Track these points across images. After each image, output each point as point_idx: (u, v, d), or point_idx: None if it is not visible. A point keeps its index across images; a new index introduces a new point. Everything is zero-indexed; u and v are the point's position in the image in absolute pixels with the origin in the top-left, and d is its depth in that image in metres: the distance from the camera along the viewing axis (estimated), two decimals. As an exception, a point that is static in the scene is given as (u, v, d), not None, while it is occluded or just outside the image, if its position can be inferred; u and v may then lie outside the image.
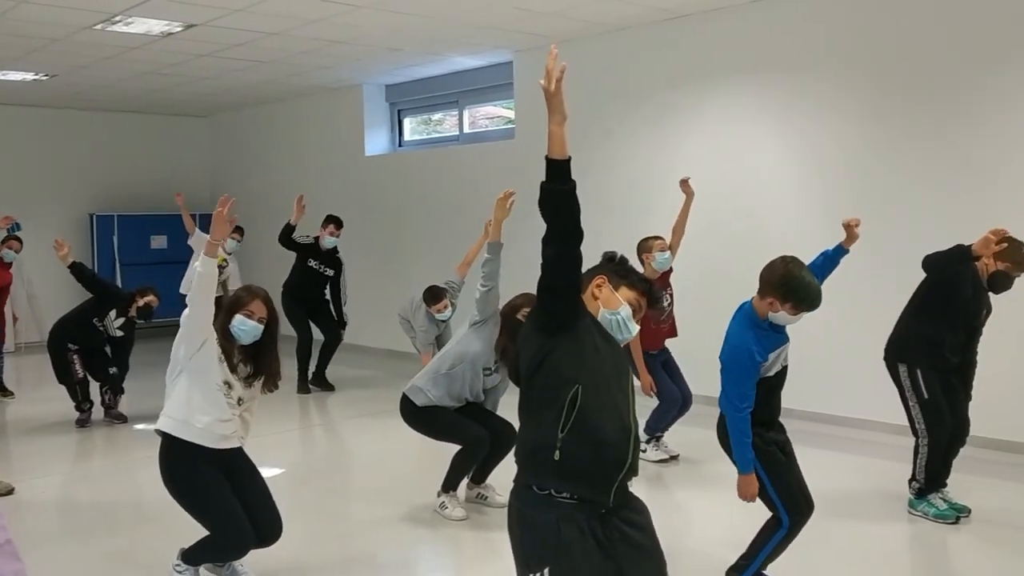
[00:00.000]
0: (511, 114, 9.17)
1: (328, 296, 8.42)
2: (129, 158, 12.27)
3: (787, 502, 3.50)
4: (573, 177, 2.40)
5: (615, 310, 2.60)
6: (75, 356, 6.97)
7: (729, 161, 7.16)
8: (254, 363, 3.76)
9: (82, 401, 7.11)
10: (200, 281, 3.49)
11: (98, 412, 7.23)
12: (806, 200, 6.76)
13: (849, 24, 6.46)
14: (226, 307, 3.69)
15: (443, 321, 6.69)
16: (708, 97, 7.28)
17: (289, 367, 8.08)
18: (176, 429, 3.59)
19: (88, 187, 11.94)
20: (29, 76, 9.32)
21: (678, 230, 5.79)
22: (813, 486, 3.61)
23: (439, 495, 4.80)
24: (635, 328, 2.63)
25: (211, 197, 12.90)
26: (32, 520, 5.06)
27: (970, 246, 4.27)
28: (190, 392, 3.59)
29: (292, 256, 8.28)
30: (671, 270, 5.75)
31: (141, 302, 7.03)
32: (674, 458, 5.76)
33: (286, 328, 8.73)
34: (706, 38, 7.24)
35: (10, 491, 5.34)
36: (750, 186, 7.05)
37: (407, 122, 10.79)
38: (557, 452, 2.43)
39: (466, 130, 9.94)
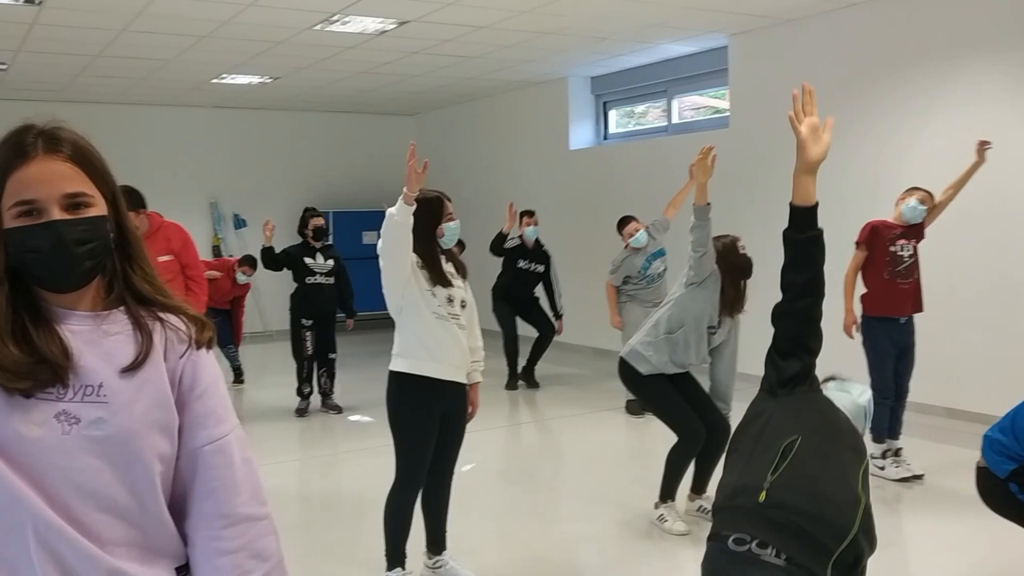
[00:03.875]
0: (720, 103, 8.72)
1: (538, 294, 8.39)
2: (342, 157, 12.74)
3: None
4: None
5: None
6: (307, 333, 7.30)
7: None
8: (451, 260, 3.73)
9: (303, 383, 7.40)
10: (388, 222, 3.38)
11: (315, 402, 7.49)
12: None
13: None
14: (426, 221, 3.57)
15: (636, 249, 6.50)
16: (951, 77, 6.56)
17: (498, 363, 8.17)
18: (409, 367, 3.57)
19: (306, 185, 12.46)
20: (255, 79, 9.80)
21: (952, 189, 5.35)
22: None
23: (657, 506, 4.52)
24: None
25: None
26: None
27: None
28: (415, 328, 3.56)
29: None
30: (923, 224, 5.32)
31: (311, 229, 7.28)
32: (917, 477, 5.18)
33: (491, 324, 8.76)
34: (945, 12, 6.53)
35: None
36: (1001, 176, 6.29)
37: (612, 114, 10.54)
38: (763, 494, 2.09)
39: (674, 121, 9.57)
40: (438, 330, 3.55)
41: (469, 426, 3.86)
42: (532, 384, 8.32)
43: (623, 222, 6.90)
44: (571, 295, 9.89)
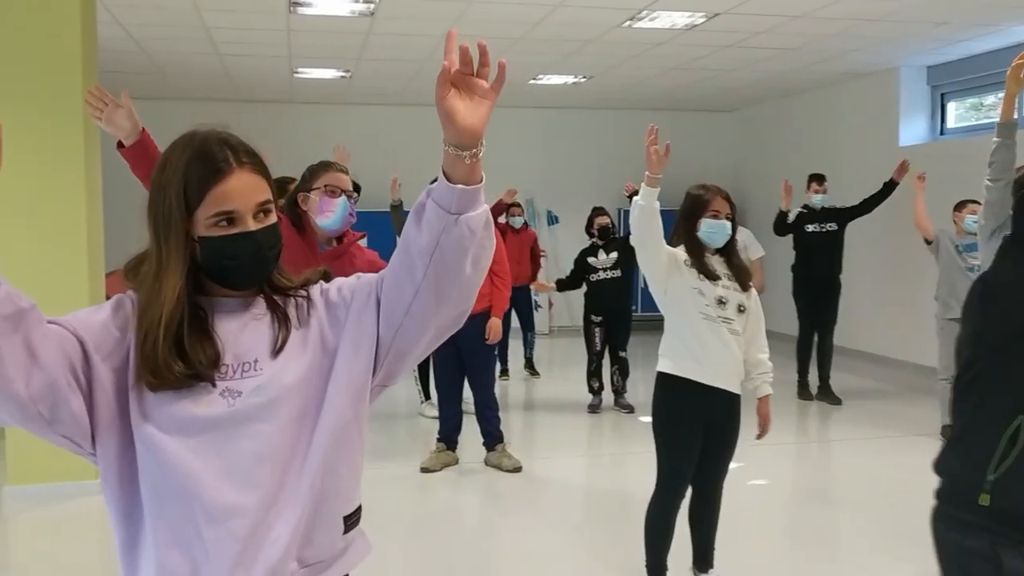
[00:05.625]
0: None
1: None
2: (655, 155, 12.63)
3: None
4: None
5: None
6: (596, 329, 7.37)
7: None
8: (729, 264, 3.48)
9: (591, 378, 7.45)
10: (634, 207, 3.29)
11: (608, 400, 7.49)
12: None
13: None
14: (685, 215, 3.46)
15: (971, 234, 5.81)
16: None
17: (788, 370, 7.66)
18: (673, 368, 3.44)
19: (619, 182, 12.53)
20: (569, 79, 10.01)
21: None
22: None
23: None
24: None
25: (734, 192, 12.76)
26: (535, 499, 5.31)
27: None
28: (680, 327, 3.41)
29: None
30: None
31: (596, 228, 7.34)
32: None
33: (778, 325, 8.28)
34: None
35: (518, 468, 5.68)
36: None
37: (951, 107, 9.48)
38: (986, 496, 1.89)
39: (1026, 113, 8.40)
40: (704, 331, 3.35)
41: (760, 439, 3.63)
42: (833, 400, 7.68)
43: (962, 204, 6.20)
44: (882, 300, 9.11)
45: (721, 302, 3.37)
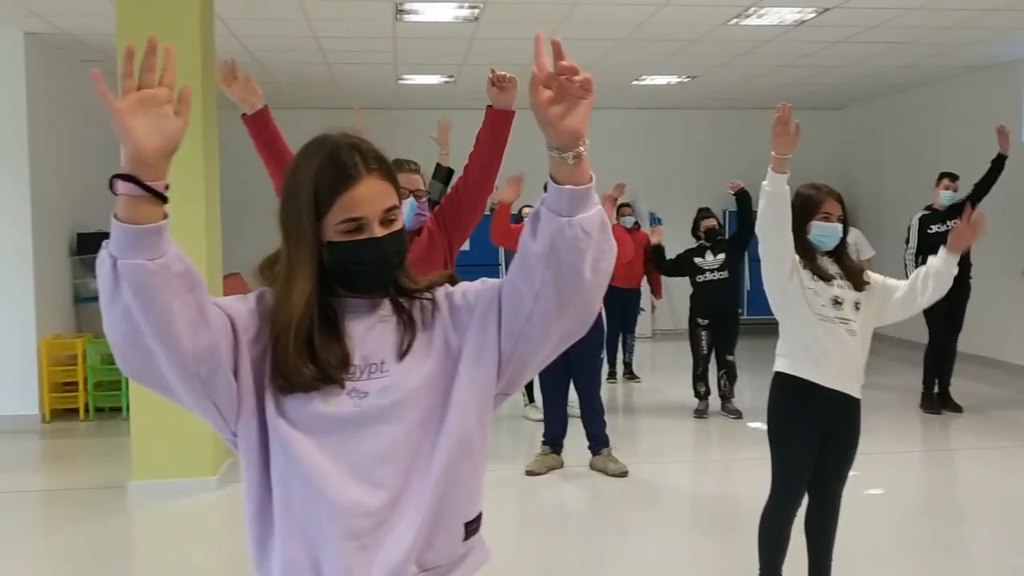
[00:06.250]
0: None
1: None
2: (762, 154, 12.28)
3: None
4: None
5: None
6: (703, 332, 7.25)
7: None
8: (840, 264, 3.36)
9: (697, 382, 7.33)
10: (762, 194, 3.20)
11: (715, 405, 7.36)
12: None
13: None
14: (795, 216, 3.30)
15: None
16: None
17: (904, 376, 7.38)
18: (790, 368, 3.34)
19: (719, 184, 12.32)
20: (673, 79, 9.89)
21: None
22: None
23: None
24: None
25: (842, 193, 12.35)
26: (642, 504, 5.26)
27: None
28: (797, 327, 3.31)
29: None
30: None
31: (703, 230, 7.25)
32: None
33: (896, 330, 7.97)
34: None
35: (624, 473, 5.63)
36: None
37: (1081, 99, 8.99)
38: None
39: None
40: (820, 332, 3.24)
41: (880, 447, 3.50)
42: (953, 408, 7.34)
43: None
44: (1012, 308, 8.66)
45: (837, 302, 3.26)
